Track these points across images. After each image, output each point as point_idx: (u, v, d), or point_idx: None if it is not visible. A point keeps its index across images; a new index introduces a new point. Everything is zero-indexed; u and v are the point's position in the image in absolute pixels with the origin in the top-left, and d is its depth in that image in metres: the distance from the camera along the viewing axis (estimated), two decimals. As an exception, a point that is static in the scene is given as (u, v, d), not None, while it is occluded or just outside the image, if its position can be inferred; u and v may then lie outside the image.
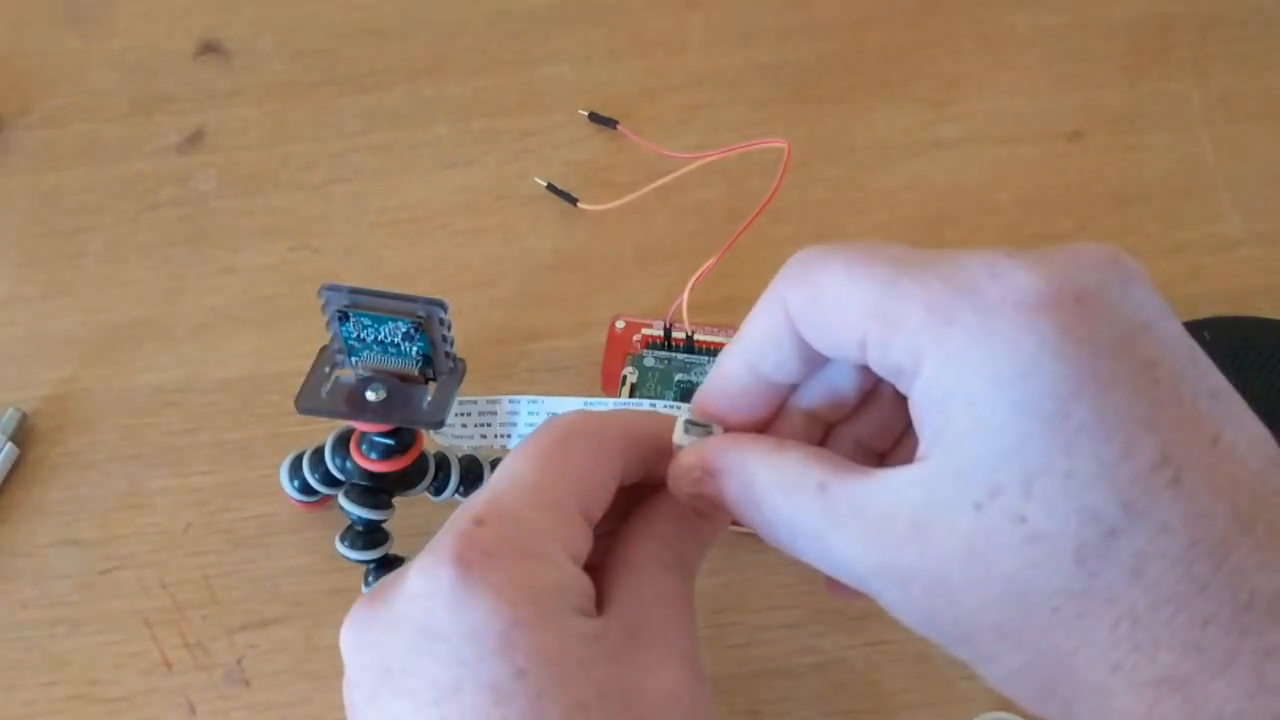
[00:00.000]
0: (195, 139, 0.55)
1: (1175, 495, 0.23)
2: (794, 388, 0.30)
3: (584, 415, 0.30)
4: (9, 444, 0.45)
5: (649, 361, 0.46)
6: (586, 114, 0.54)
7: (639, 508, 0.31)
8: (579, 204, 0.50)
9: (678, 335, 0.45)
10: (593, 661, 0.26)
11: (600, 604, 0.28)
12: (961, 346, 0.24)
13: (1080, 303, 0.24)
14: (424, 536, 0.43)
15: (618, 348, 0.46)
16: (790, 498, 0.27)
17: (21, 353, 0.49)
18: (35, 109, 0.56)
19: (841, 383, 0.30)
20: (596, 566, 0.29)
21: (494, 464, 0.43)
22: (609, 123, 0.53)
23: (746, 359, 0.29)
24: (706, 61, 0.56)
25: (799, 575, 0.42)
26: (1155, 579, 0.23)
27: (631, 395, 0.45)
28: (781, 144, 0.44)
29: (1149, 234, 0.49)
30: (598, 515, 0.29)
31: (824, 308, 0.27)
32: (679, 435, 0.30)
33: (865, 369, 0.28)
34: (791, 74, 0.55)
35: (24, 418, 0.46)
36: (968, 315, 0.24)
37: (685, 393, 0.45)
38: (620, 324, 0.47)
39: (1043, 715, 0.25)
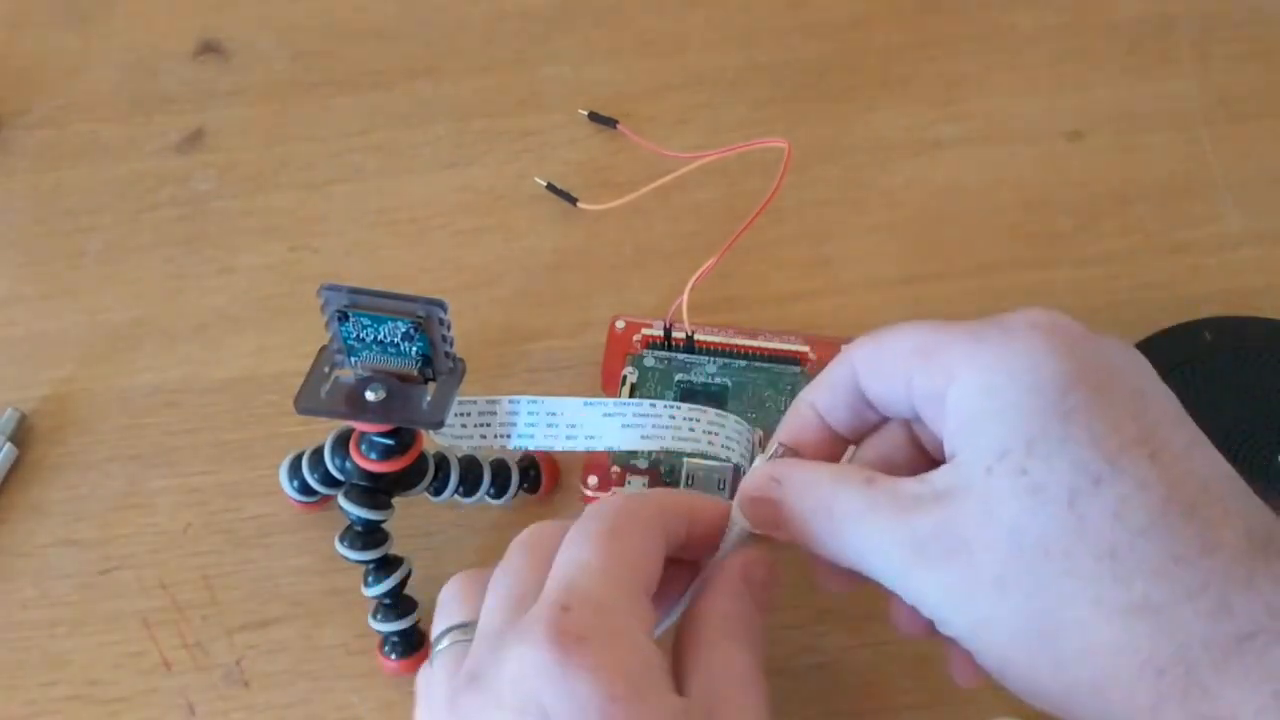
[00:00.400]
0: (195, 139, 0.55)
1: (1152, 464, 0.28)
2: (849, 444, 0.35)
3: (625, 499, 0.33)
4: (8, 444, 0.45)
5: (649, 361, 0.46)
6: (586, 113, 0.54)
7: (703, 588, 0.34)
8: (579, 204, 0.50)
9: (678, 335, 0.45)
10: None
11: (679, 682, 0.31)
12: (988, 358, 0.30)
13: (1085, 338, 0.30)
14: (424, 536, 0.43)
15: (618, 347, 0.46)
16: (840, 485, 0.32)
17: (21, 353, 0.49)
18: (35, 109, 0.56)
19: (894, 452, 0.34)
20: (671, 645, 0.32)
21: (493, 464, 0.43)
22: (609, 122, 0.53)
23: (811, 398, 0.35)
24: (706, 61, 0.56)
25: (800, 575, 0.42)
26: (1133, 520, 0.27)
27: (631, 395, 0.45)
28: (782, 144, 0.44)
29: (1149, 234, 0.49)
30: (654, 589, 0.32)
31: (879, 355, 0.33)
32: (759, 459, 0.35)
33: (917, 443, 0.33)
34: (791, 74, 0.55)
35: (23, 418, 0.46)
36: (993, 333, 0.30)
37: (685, 393, 0.45)
38: (620, 324, 0.47)
39: (1035, 680, 0.29)
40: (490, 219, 0.51)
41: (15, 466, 0.46)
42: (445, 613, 0.34)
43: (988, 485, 0.28)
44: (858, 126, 0.53)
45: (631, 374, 0.45)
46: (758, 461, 0.35)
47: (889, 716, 0.40)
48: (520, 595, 0.31)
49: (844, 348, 0.34)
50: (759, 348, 0.45)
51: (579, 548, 0.32)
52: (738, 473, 0.42)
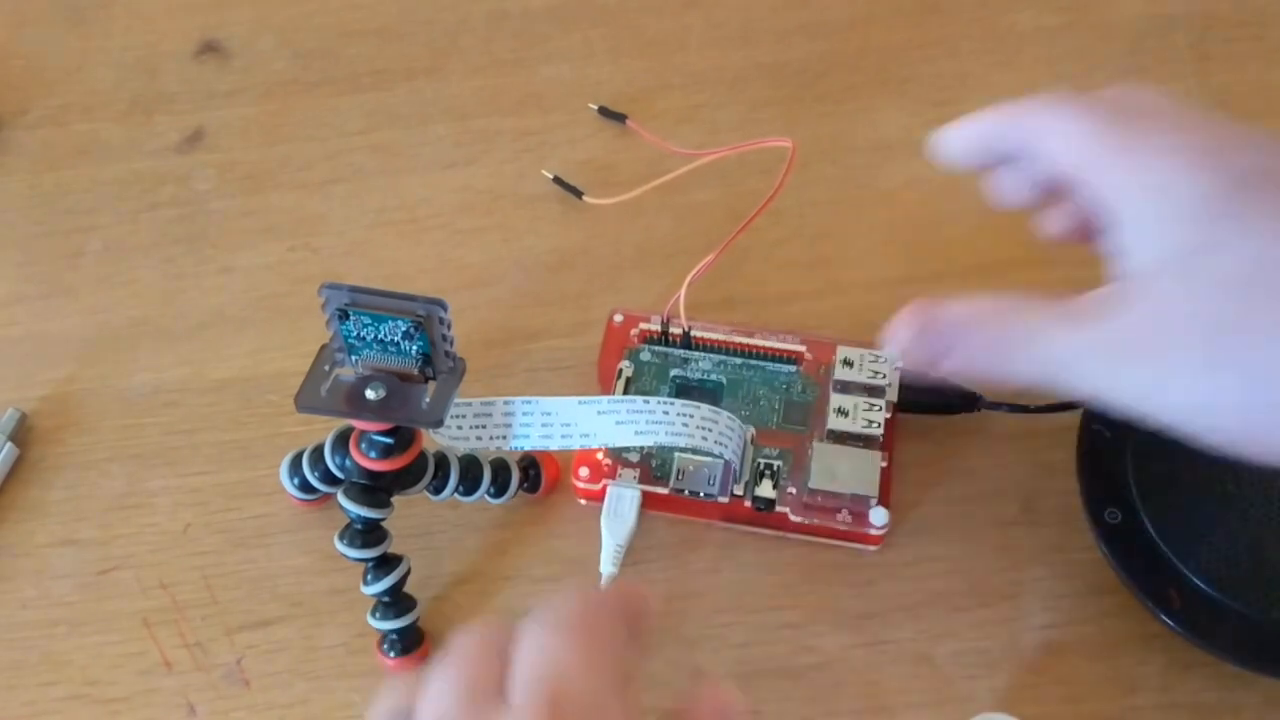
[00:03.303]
0: (195, 139, 0.55)
1: None
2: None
3: (584, 593, 0.31)
4: (9, 444, 0.45)
5: (645, 356, 0.46)
6: (596, 108, 0.54)
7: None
8: (584, 197, 0.50)
9: (675, 331, 0.45)
10: None
11: None
12: (1157, 176, 0.33)
13: (1221, 151, 0.33)
14: (424, 536, 0.43)
15: (615, 341, 0.46)
16: (1022, 305, 0.34)
17: (21, 353, 0.49)
18: (35, 109, 0.56)
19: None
20: None
21: (493, 463, 0.43)
22: (618, 117, 0.53)
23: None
24: (706, 61, 0.56)
25: (799, 575, 0.42)
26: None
27: (627, 389, 0.45)
28: (786, 143, 0.44)
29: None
30: (633, 680, 0.30)
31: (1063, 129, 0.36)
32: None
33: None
34: (791, 74, 0.55)
35: (24, 418, 0.46)
36: (1151, 148, 0.34)
37: (680, 389, 0.45)
38: (618, 318, 0.47)
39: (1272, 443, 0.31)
40: (490, 219, 0.51)
41: (15, 466, 0.46)
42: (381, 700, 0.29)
43: (1183, 282, 0.31)
44: (858, 126, 0.53)
45: (628, 368, 0.45)
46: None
47: (888, 716, 0.40)
48: (473, 682, 0.28)
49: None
50: (755, 345, 0.45)
51: (552, 644, 0.29)
52: (728, 468, 0.42)
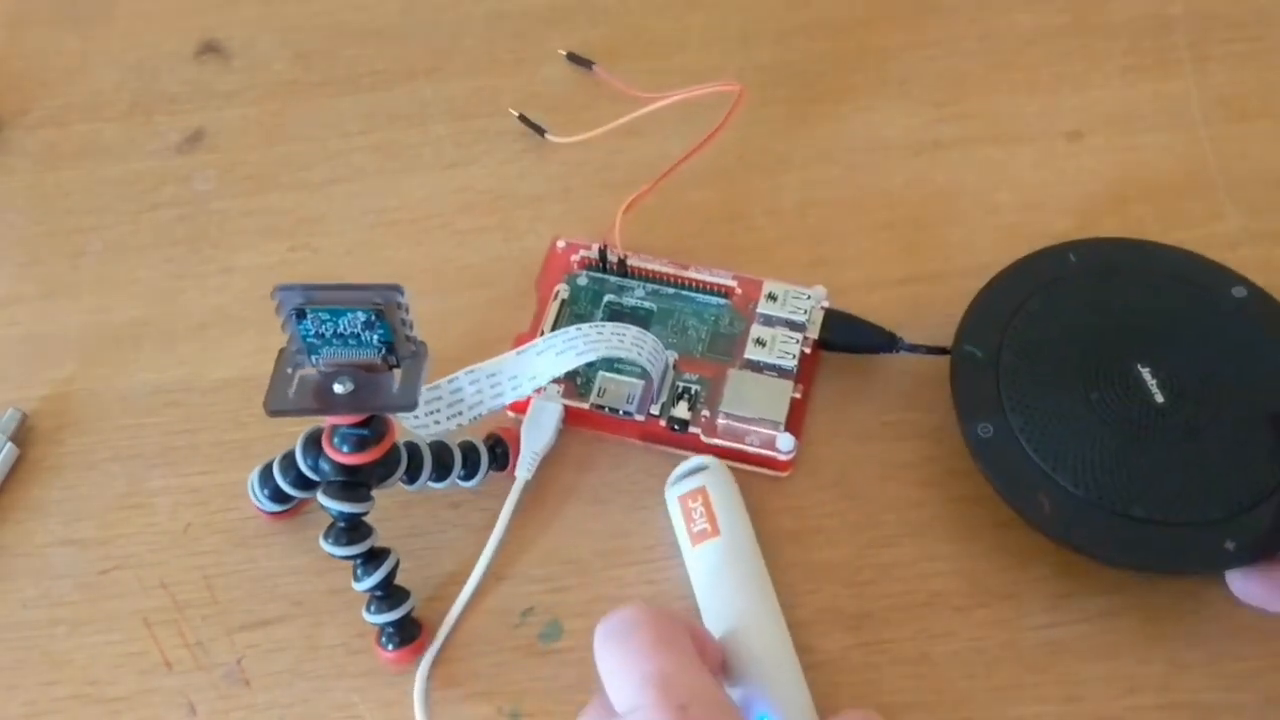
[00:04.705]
0: (195, 139, 0.55)
1: None
2: None
3: (647, 613, 0.34)
4: (9, 444, 0.45)
5: (582, 281, 0.47)
6: (565, 54, 0.55)
7: None
8: (547, 134, 0.52)
9: (612, 259, 0.47)
10: None
11: None
12: None
13: None
14: (422, 536, 0.43)
15: (555, 265, 0.48)
16: None
17: (21, 353, 0.49)
18: (35, 109, 0.56)
19: None
20: None
21: (461, 447, 0.42)
22: (585, 63, 0.54)
23: None
24: (706, 61, 0.56)
25: (799, 575, 0.42)
26: None
27: (561, 310, 0.46)
28: (735, 88, 0.47)
29: (1149, 234, 0.49)
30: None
31: None
32: None
33: None
34: (791, 74, 0.55)
35: (24, 418, 0.46)
36: None
37: (613, 314, 0.47)
38: (561, 243, 0.49)
39: None
40: (490, 219, 0.51)
41: (16, 466, 0.46)
42: None
43: None
44: (858, 126, 0.53)
45: (564, 290, 0.47)
46: None
47: (888, 716, 0.40)
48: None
49: None
50: (687, 278, 0.47)
51: (647, 661, 0.32)
52: (648, 389, 0.44)
